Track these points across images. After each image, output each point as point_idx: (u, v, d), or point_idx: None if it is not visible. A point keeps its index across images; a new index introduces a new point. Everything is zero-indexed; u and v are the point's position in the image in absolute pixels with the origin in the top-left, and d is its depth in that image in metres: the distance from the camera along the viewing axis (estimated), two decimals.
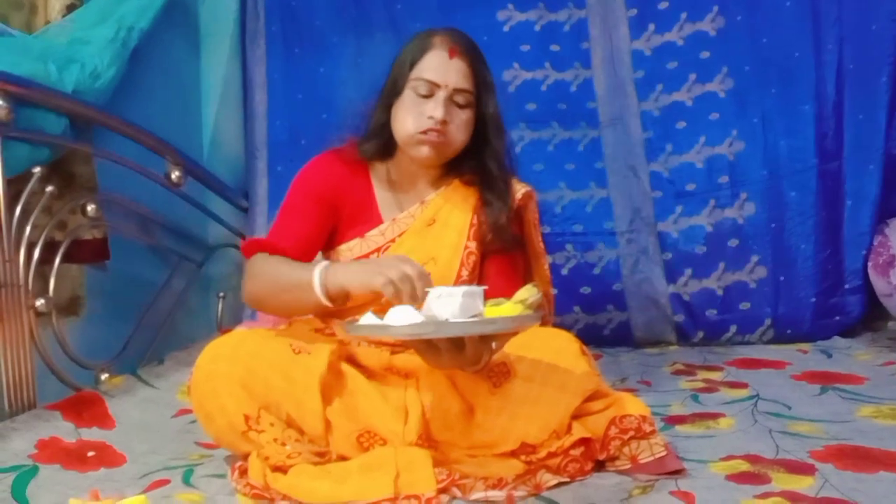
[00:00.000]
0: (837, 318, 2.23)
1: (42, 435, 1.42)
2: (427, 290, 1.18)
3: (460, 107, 1.44)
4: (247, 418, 1.24)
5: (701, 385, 1.78)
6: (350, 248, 1.48)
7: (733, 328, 2.26)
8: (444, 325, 1.13)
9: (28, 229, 1.64)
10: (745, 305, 2.24)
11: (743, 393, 1.68)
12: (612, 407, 1.28)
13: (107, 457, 1.38)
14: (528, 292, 1.21)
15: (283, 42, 2.52)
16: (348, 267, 1.29)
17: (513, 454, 1.24)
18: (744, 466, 1.22)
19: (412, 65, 1.45)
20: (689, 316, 2.28)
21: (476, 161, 1.51)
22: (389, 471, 1.15)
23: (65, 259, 1.77)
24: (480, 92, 1.46)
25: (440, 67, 1.43)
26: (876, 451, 1.27)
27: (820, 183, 2.22)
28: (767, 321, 2.23)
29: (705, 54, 2.33)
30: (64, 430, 1.46)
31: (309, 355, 1.31)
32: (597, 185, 2.34)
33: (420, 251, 1.43)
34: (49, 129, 1.73)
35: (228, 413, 1.24)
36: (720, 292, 2.25)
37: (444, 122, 1.41)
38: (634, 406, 1.28)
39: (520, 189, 1.53)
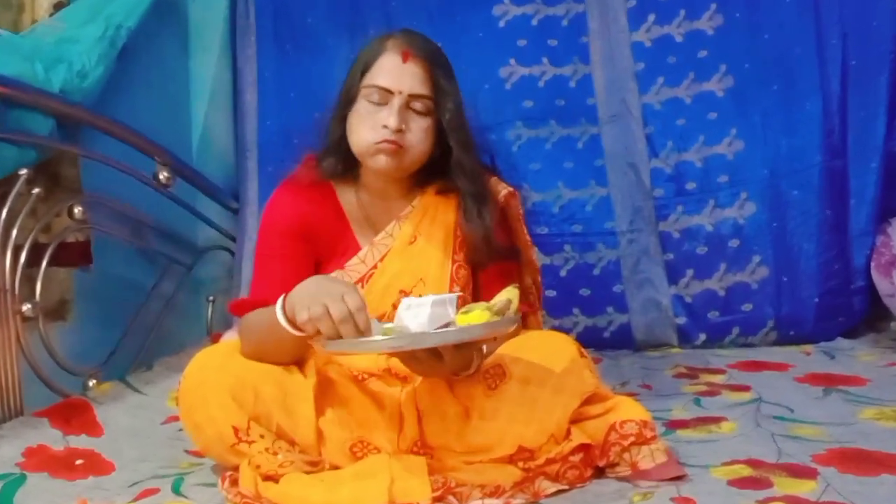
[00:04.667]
0: (841, 318, 2.21)
1: (29, 442, 1.40)
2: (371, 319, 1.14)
3: (419, 114, 1.36)
4: (236, 430, 1.21)
5: (703, 388, 1.77)
6: None
7: (735, 330, 2.23)
8: (413, 336, 1.12)
9: (14, 232, 1.62)
10: (747, 307, 2.22)
11: (745, 396, 1.67)
12: (611, 412, 1.26)
13: (95, 465, 1.36)
14: (507, 293, 1.19)
15: (274, 40, 2.49)
16: (299, 291, 1.19)
17: (510, 460, 1.21)
18: (746, 471, 1.21)
19: (364, 72, 1.37)
20: (691, 318, 2.25)
21: (447, 167, 1.41)
22: (384, 478, 1.13)
23: (51, 262, 1.75)
24: (440, 94, 1.36)
25: (393, 72, 1.34)
26: (878, 453, 1.26)
27: (823, 181, 2.20)
28: (770, 322, 2.21)
29: (703, 53, 2.31)
30: (51, 437, 1.45)
31: (298, 367, 1.30)
32: (597, 183, 2.32)
33: (406, 274, 1.39)
34: (36, 130, 1.71)
35: (217, 424, 1.22)
36: (722, 293, 2.23)
37: (399, 131, 1.32)
38: (635, 411, 1.26)
39: (501, 190, 1.45)
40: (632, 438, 1.22)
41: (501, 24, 2.40)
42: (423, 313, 1.12)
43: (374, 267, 1.40)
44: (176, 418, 1.59)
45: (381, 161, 1.34)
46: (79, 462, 1.37)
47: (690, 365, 2.01)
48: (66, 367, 1.77)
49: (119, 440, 1.48)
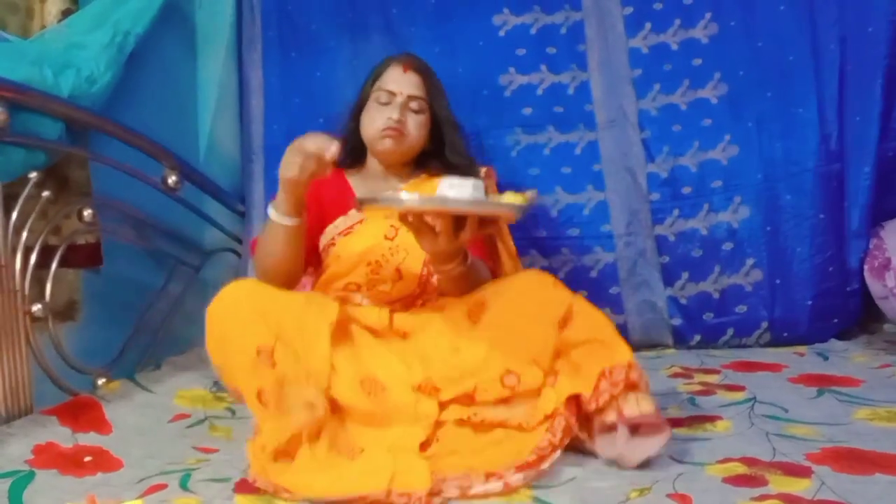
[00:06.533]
0: (834, 320, 2.22)
1: (39, 440, 1.41)
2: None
3: (416, 112, 1.78)
4: (259, 350, 1.32)
5: (698, 388, 1.79)
6: (336, 226, 1.73)
7: (730, 331, 2.25)
8: (450, 200, 1.28)
9: (24, 234, 1.64)
10: (741, 308, 2.24)
11: (740, 396, 1.68)
12: (595, 343, 1.34)
13: (104, 462, 1.37)
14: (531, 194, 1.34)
15: (279, 46, 2.52)
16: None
17: (503, 386, 1.34)
18: (740, 469, 1.22)
19: (374, 81, 1.81)
20: (686, 319, 2.27)
21: (439, 160, 1.81)
22: (386, 471, 1.18)
23: (60, 264, 1.77)
24: (432, 99, 1.80)
25: (396, 79, 1.78)
26: (872, 453, 1.27)
27: (817, 185, 2.22)
28: (764, 324, 2.23)
29: (697, 61, 2.33)
30: (61, 435, 1.46)
31: (320, 304, 1.44)
32: (594, 187, 2.33)
33: (395, 219, 1.56)
34: (45, 134, 1.72)
35: (245, 337, 1.34)
36: (716, 295, 2.25)
37: (400, 122, 1.74)
38: (620, 352, 1.33)
39: (480, 169, 1.85)
40: (621, 386, 1.28)
41: (501, 33, 2.41)
42: (466, 191, 1.27)
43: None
44: (183, 416, 1.63)
45: (387, 144, 1.75)
46: (87, 459, 1.38)
47: (685, 365, 2.03)
48: (75, 366, 1.78)
49: (127, 437, 1.49)
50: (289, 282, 1.59)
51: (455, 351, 1.41)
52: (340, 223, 1.73)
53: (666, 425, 1.28)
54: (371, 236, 1.68)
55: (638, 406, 1.28)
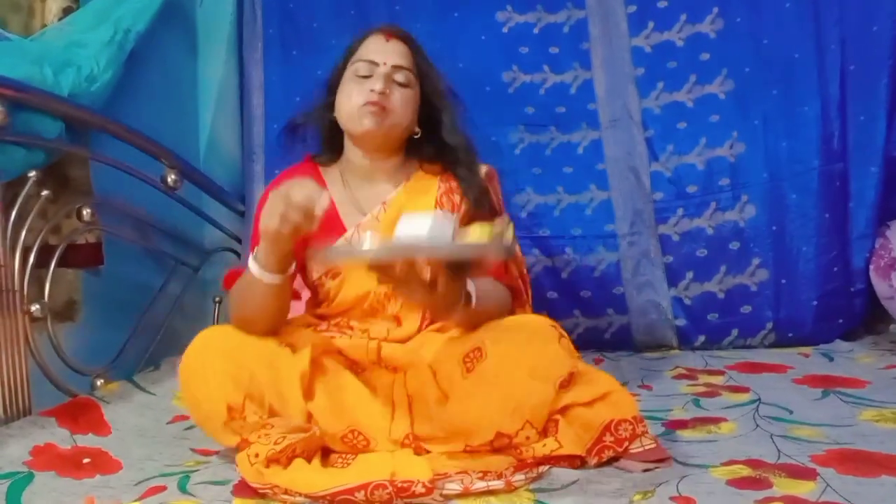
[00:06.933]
0: (840, 321, 2.21)
1: (37, 441, 1.41)
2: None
3: (402, 85, 1.48)
4: (230, 409, 1.27)
5: (702, 389, 1.77)
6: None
7: (734, 332, 2.24)
8: (407, 247, 1.11)
9: (23, 233, 1.64)
10: (746, 309, 2.23)
11: (744, 397, 1.67)
12: (602, 403, 1.26)
13: (102, 463, 1.37)
14: (502, 224, 1.17)
15: (280, 44, 2.51)
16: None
17: (491, 446, 1.26)
18: (745, 471, 1.21)
19: (350, 56, 1.51)
20: (690, 320, 2.26)
21: (434, 144, 1.53)
22: (387, 465, 1.18)
23: (60, 263, 1.76)
24: (421, 71, 1.51)
25: (378, 48, 1.49)
26: (877, 454, 1.26)
27: (822, 185, 2.20)
28: (769, 324, 2.22)
29: (705, 56, 2.32)
30: (59, 436, 1.46)
31: (292, 351, 1.34)
32: (598, 187, 2.32)
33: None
34: (45, 133, 1.72)
35: (214, 401, 1.28)
36: (721, 295, 2.24)
37: (384, 94, 1.44)
38: (626, 407, 1.27)
39: (482, 168, 1.55)
40: (626, 443, 1.24)
41: (504, 30, 2.41)
42: (424, 226, 1.11)
43: None
44: (182, 417, 1.61)
45: (367, 123, 1.45)
46: (86, 461, 1.37)
47: (690, 366, 2.02)
48: (74, 366, 1.77)
49: (126, 439, 1.49)
50: (269, 332, 1.40)
51: (442, 402, 1.30)
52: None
53: (668, 453, 1.26)
54: (362, 283, 1.46)
55: (641, 444, 1.25)
